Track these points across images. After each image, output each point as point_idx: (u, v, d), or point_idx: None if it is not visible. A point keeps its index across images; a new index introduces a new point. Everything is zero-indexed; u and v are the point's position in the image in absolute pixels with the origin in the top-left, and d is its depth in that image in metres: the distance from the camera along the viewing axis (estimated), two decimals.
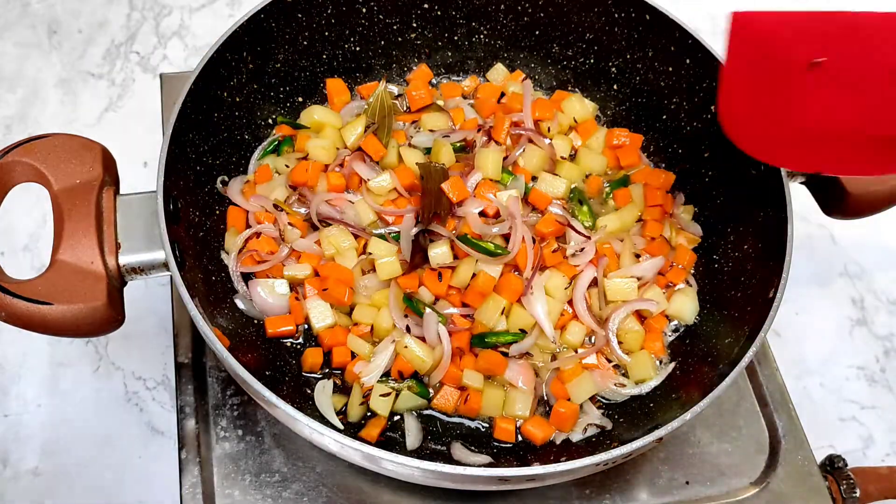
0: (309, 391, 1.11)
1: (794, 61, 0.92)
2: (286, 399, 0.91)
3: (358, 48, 1.35)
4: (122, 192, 1.04)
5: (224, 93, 1.19)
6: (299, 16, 1.24)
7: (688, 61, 1.23)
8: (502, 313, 1.12)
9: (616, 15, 1.28)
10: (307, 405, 1.09)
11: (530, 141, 1.29)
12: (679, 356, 1.18)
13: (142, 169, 1.44)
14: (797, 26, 0.94)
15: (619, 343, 1.15)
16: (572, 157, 1.33)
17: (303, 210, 1.21)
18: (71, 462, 1.23)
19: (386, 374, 1.12)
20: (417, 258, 1.15)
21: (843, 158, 0.92)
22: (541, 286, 1.14)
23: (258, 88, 1.25)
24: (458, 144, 1.27)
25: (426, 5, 1.33)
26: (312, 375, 1.13)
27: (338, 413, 1.08)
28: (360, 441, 0.90)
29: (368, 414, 1.10)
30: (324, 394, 1.09)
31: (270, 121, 1.30)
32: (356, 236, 1.19)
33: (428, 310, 1.12)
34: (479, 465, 0.98)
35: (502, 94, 1.37)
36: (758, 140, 0.98)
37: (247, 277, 1.17)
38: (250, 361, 1.02)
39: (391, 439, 1.09)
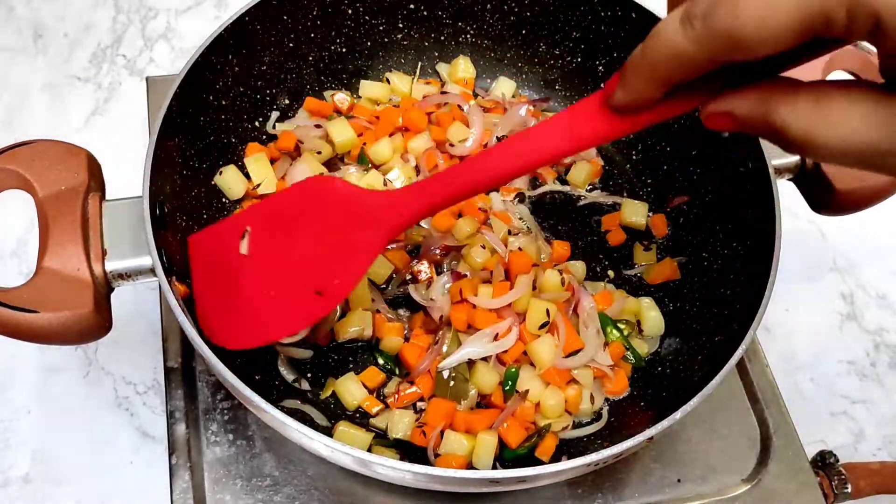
0: (298, 395, 1.11)
1: (230, 248, 1.01)
2: (275, 403, 0.90)
3: (344, 49, 1.34)
4: (109, 197, 1.03)
5: (210, 96, 1.18)
6: (285, 18, 1.24)
7: None
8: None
9: (602, 13, 1.28)
10: (296, 410, 1.08)
11: None
12: (669, 354, 1.18)
13: (129, 173, 1.42)
14: (231, 221, 1.04)
15: None
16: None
17: None
18: (62, 468, 1.22)
19: None
20: None
21: (285, 323, 0.98)
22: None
23: (244, 91, 1.24)
24: None
25: (412, 6, 1.33)
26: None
27: None
28: (350, 446, 0.89)
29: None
30: None
31: (257, 123, 1.30)
32: None
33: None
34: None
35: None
36: (225, 333, 1.00)
37: None
38: (239, 366, 1.01)
39: None
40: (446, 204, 0.89)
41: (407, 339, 1.16)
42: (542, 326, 1.11)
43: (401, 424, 1.09)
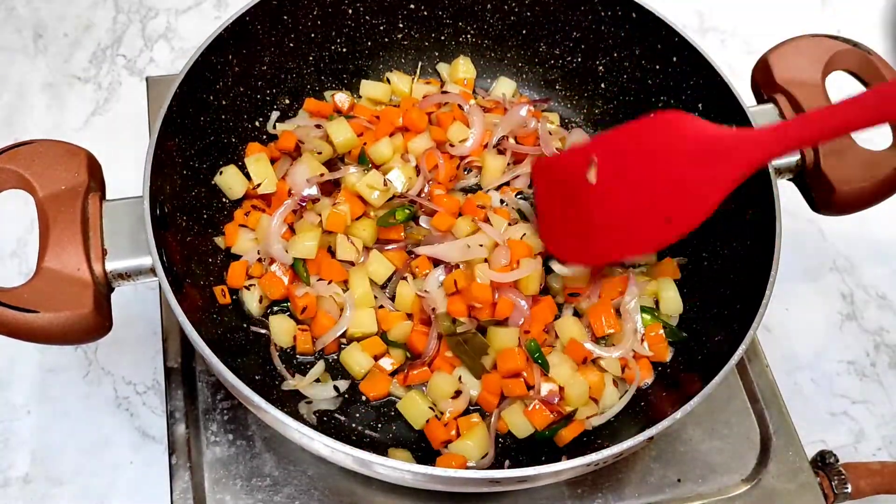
0: (298, 395, 1.11)
1: (576, 176, 1.10)
2: (276, 403, 0.90)
3: (344, 49, 1.34)
4: (109, 197, 1.03)
5: (210, 96, 1.18)
6: (285, 17, 1.24)
7: (675, 59, 1.23)
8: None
9: (603, 13, 1.28)
10: (297, 410, 1.08)
11: None
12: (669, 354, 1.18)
13: (129, 173, 1.43)
14: (575, 152, 1.14)
15: None
16: None
17: None
18: (62, 468, 1.22)
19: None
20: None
21: (635, 244, 1.08)
22: None
23: (244, 91, 1.24)
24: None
25: (412, 6, 1.33)
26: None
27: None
28: (351, 445, 0.89)
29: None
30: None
31: (257, 123, 1.30)
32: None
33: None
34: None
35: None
36: (574, 251, 1.16)
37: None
38: (240, 366, 1.01)
39: None
40: (808, 143, 0.96)
41: None
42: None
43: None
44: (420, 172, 1.26)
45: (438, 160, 1.27)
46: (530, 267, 1.15)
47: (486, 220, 1.22)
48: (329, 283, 1.17)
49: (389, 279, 1.21)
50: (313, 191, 1.21)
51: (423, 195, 1.25)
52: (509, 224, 1.22)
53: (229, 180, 1.21)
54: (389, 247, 1.22)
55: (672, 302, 1.21)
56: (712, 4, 1.83)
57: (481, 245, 1.17)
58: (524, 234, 1.20)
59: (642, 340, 1.16)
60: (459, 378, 1.13)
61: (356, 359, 1.14)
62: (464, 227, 1.20)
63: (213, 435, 1.13)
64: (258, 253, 1.19)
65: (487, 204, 1.26)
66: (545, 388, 1.11)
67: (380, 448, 1.08)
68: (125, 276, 0.98)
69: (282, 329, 1.16)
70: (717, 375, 0.96)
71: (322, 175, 1.22)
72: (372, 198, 1.20)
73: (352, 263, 1.20)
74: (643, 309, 1.19)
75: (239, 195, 1.22)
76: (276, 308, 1.20)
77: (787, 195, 1.15)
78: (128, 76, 1.62)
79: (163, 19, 1.70)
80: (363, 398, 1.14)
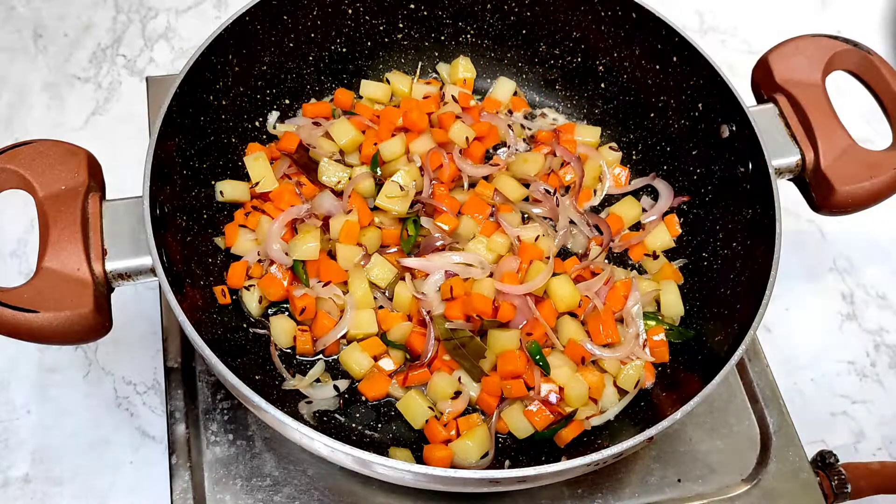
0: (299, 395, 1.11)
1: None
2: (276, 404, 0.90)
3: (344, 49, 1.34)
4: (109, 197, 1.03)
5: (210, 96, 1.18)
6: (285, 18, 1.24)
7: (675, 59, 1.23)
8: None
9: (603, 13, 1.28)
10: (297, 410, 1.08)
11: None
12: (670, 355, 1.18)
13: (129, 173, 1.43)
14: None
15: None
16: None
17: None
18: (62, 468, 1.22)
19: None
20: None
21: None
22: None
23: (244, 91, 1.25)
24: None
25: (412, 6, 1.33)
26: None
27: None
28: (351, 445, 0.89)
29: None
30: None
31: (257, 123, 1.30)
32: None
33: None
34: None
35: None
36: None
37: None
38: (240, 366, 1.01)
39: None
40: None
41: None
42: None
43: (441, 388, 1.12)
44: (424, 173, 1.26)
45: (443, 160, 1.27)
46: (542, 277, 1.15)
47: (492, 217, 1.24)
48: (328, 284, 1.17)
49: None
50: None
51: (427, 195, 1.25)
52: (524, 219, 1.23)
53: (233, 192, 1.21)
54: (391, 250, 1.22)
55: (673, 305, 1.21)
56: (712, 4, 1.83)
57: (471, 265, 1.18)
58: (538, 237, 1.21)
59: (644, 345, 1.16)
60: (459, 379, 1.13)
61: (356, 359, 1.14)
62: (468, 227, 1.21)
63: (213, 435, 1.13)
64: (258, 254, 1.19)
65: (497, 202, 1.27)
66: (545, 388, 1.11)
67: (380, 448, 1.08)
68: (125, 276, 0.98)
69: (282, 329, 1.15)
70: (717, 375, 0.96)
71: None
72: (396, 209, 1.21)
73: None
74: (646, 315, 1.19)
75: (245, 198, 1.22)
76: (276, 308, 1.20)
77: (787, 195, 1.15)
78: (128, 76, 1.62)
79: (163, 19, 1.70)
80: (363, 398, 1.14)
